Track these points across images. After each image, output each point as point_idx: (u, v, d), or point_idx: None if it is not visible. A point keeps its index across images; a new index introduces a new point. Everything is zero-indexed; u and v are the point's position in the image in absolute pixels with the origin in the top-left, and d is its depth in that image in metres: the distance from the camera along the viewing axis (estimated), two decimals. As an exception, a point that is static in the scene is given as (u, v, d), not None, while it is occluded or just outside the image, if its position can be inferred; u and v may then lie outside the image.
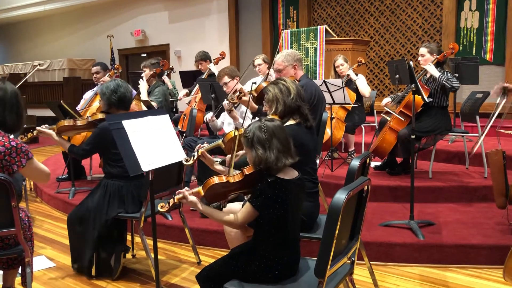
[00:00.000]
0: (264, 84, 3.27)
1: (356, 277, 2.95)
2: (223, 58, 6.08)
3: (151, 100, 4.91)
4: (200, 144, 2.67)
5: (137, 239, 3.54)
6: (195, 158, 2.56)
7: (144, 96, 4.94)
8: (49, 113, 6.11)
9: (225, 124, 4.51)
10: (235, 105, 3.93)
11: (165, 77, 5.97)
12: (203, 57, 6.01)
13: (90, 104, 5.02)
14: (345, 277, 2.12)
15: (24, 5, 12.80)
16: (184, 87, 6.39)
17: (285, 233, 2.04)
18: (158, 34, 10.86)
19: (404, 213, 3.70)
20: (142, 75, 5.29)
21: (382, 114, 4.68)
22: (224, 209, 2.65)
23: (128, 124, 2.37)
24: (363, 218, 2.10)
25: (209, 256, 3.49)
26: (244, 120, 3.72)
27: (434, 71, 4.11)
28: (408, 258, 3.21)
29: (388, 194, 4.18)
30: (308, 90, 3.26)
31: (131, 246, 3.47)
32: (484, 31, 6.87)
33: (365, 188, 2.01)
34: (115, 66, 5.65)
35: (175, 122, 5.55)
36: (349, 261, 2.12)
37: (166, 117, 2.64)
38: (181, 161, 2.56)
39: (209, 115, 4.51)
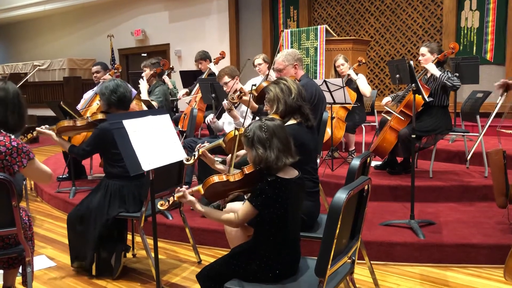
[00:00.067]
0: (264, 84, 3.26)
1: (357, 277, 2.95)
2: (223, 57, 6.09)
3: (151, 100, 4.92)
4: (200, 144, 2.67)
5: (138, 239, 3.55)
6: (195, 157, 2.56)
7: (144, 95, 4.95)
8: (49, 112, 6.10)
9: (226, 124, 4.51)
10: (235, 104, 3.93)
11: (165, 77, 5.97)
12: (203, 57, 6.02)
13: (90, 104, 5.02)
14: (345, 277, 2.12)
15: (24, 5, 12.78)
16: (184, 86, 6.40)
17: (285, 233, 2.04)
18: (158, 34, 10.86)
19: (405, 213, 3.70)
20: (143, 74, 5.29)
21: (382, 114, 4.67)
22: (224, 208, 2.64)
23: (129, 124, 2.37)
24: (364, 218, 2.10)
25: (210, 255, 3.49)
26: (244, 119, 3.72)
27: (435, 71, 4.11)
28: (408, 257, 3.21)
29: (388, 193, 4.18)
30: (308, 90, 3.26)
31: (131, 246, 3.47)
32: (485, 30, 6.87)
33: (366, 187, 2.01)
34: (115, 66, 5.66)
35: (176, 122, 5.56)
36: (350, 260, 2.12)
37: (167, 116, 2.63)
38: (181, 161, 2.56)
39: (210, 117, 4.50)
